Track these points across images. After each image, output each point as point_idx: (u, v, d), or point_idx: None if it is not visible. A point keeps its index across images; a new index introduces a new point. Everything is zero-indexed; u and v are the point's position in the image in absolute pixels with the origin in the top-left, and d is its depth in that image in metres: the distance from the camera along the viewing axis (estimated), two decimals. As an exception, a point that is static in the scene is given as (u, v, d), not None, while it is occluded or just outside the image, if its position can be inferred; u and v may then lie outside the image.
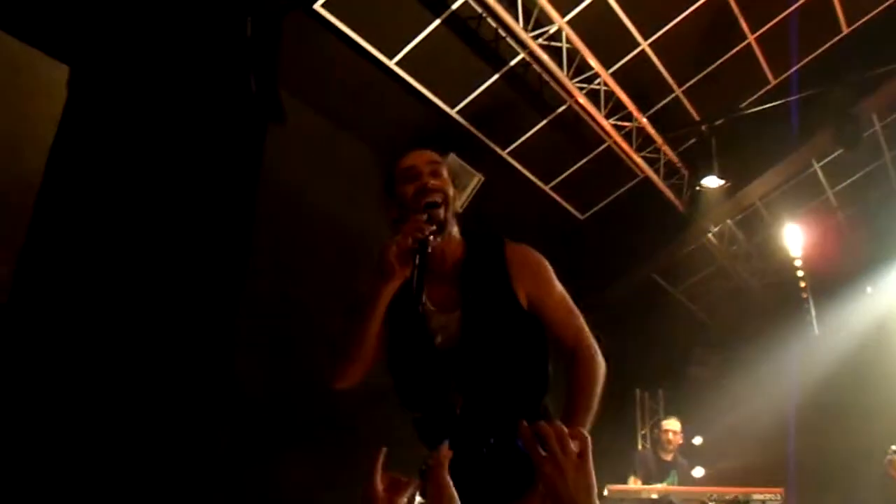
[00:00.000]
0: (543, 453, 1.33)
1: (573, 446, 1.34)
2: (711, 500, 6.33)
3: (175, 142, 3.77)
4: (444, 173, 2.34)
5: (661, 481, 6.68)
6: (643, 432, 9.42)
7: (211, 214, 3.82)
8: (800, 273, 8.57)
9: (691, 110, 6.88)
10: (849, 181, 8.46)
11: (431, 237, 2.13)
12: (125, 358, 3.27)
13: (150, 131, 3.74)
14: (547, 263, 2.36)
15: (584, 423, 2.11)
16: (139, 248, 3.56)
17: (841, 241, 8.91)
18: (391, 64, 5.19)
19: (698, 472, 8.01)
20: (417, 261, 2.09)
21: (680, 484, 6.75)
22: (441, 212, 2.24)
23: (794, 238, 8.31)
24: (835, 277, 9.02)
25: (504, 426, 2.11)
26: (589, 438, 1.36)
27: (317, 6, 4.72)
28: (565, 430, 1.35)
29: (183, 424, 3.38)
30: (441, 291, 2.27)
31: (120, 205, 3.61)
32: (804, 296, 8.87)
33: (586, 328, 2.31)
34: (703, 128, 6.92)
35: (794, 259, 8.41)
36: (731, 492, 6.50)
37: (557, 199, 7.09)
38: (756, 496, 6.42)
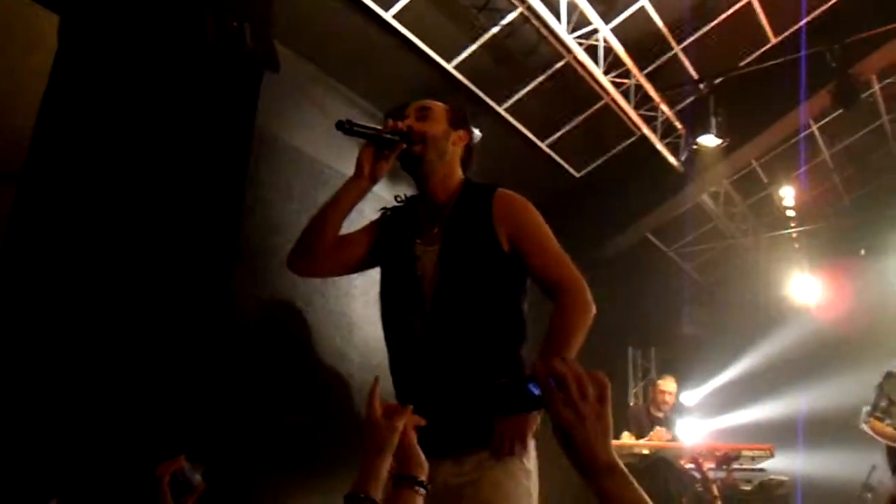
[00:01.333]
0: (560, 395, 1.19)
1: (591, 390, 1.20)
2: (702, 457, 6.43)
3: (168, 88, 3.72)
4: (434, 117, 2.47)
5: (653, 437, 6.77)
6: (635, 390, 9.52)
7: (205, 165, 3.79)
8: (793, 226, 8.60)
9: (690, 68, 6.82)
10: (846, 143, 8.44)
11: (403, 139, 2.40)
12: (115, 320, 3.26)
13: (142, 80, 3.69)
14: (533, 209, 2.43)
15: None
16: (133, 200, 3.54)
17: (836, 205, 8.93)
18: (387, 17, 5.12)
19: (690, 428, 8.13)
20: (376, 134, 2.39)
21: (672, 439, 6.84)
22: (417, 147, 2.42)
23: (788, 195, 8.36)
24: (829, 238, 9.06)
25: (465, 362, 2.18)
26: (608, 383, 1.22)
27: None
28: (583, 372, 1.21)
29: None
30: (430, 228, 2.44)
31: (113, 155, 3.58)
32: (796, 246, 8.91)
33: (575, 272, 2.34)
34: (702, 86, 6.88)
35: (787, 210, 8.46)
36: (722, 448, 6.60)
37: (554, 156, 7.05)
38: (745, 453, 6.53)
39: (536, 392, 1.23)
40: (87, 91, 3.55)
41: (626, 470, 1.18)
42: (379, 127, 2.46)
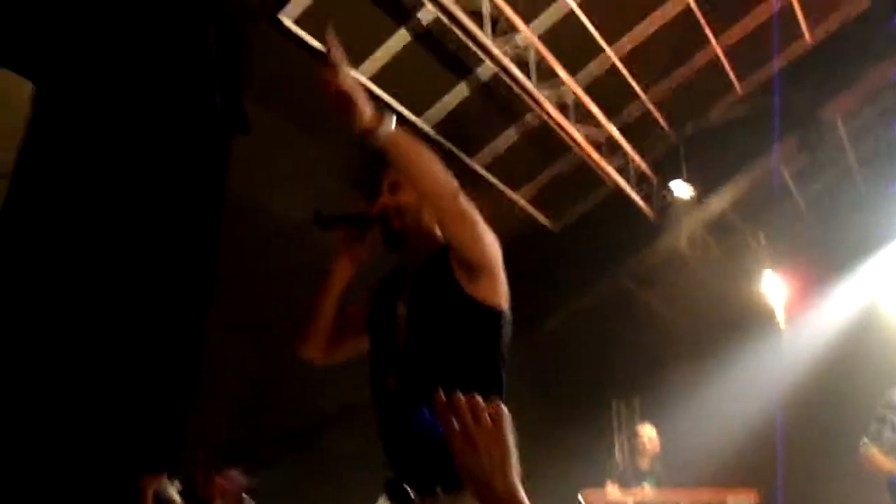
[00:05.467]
0: (455, 425, 1.21)
1: (487, 417, 1.21)
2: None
3: (140, 156, 3.74)
4: (406, 187, 2.43)
5: (637, 487, 6.69)
6: (620, 441, 9.42)
7: (176, 229, 3.79)
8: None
9: (660, 119, 6.93)
10: (816, 186, 8.58)
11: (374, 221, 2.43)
12: (91, 379, 3.22)
13: (115, 147, 3.72)
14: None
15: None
16: (106, 263, 3.52)
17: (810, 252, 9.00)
18: (357, 74, 5.17)
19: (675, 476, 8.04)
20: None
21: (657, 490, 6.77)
22: (396, 223, 2.41)
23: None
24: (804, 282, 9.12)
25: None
26: (504, 409, 1.23)
27: (280, 15, 4.71)
28: (480, 401, 1.22)
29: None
30: (409, 286, 2.42)
31: (85, 220, 3.57)
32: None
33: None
34: (672, 136, 6.99)
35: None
36: (705, 496, 6.54)
37: (528, 208, 7.10)
38: (730, 499, 6.46)
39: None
40: (60, 153, 3.56)
41: (526, 501, 1.16)
42: (353, 213, 2.50)
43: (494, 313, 2.30)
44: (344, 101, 2.08)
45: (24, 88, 3.59)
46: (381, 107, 2.05)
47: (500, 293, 2.31)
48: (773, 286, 8.74)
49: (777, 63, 6.65)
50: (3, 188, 3.43)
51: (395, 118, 2.08)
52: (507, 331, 2.34)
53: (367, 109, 2.09)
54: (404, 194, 2.43)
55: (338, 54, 2.05)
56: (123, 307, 3.40)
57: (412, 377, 2.27)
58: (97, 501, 2.69)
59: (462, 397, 1.23)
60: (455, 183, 2.25)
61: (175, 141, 3.89)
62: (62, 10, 3.78)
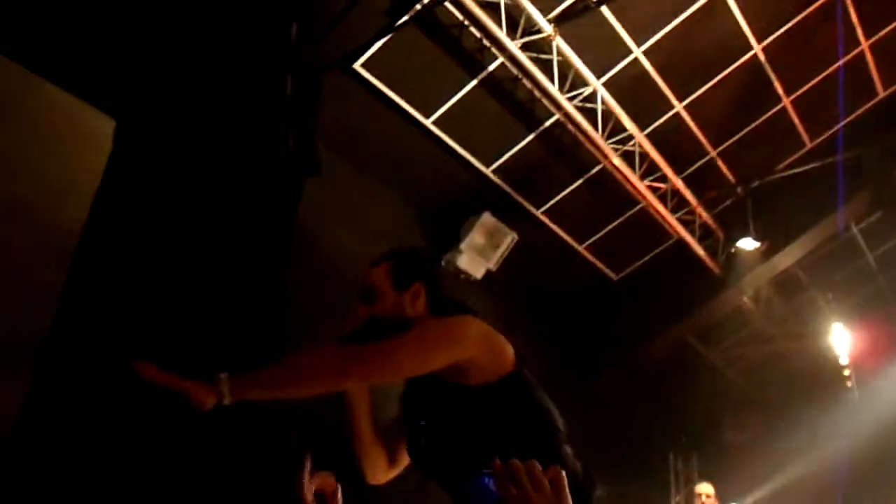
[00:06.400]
0: (514, 492, 1.23)
1: (546, 483, 1.23)
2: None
3: (213, 196, 3.83)
4: (378, 293, 2.33)
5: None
6: (677, 499, 9.20)
7: (247, 271, 3.86)
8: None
9: (727, 172, 6.87)
10: (889, 245, 8.34)
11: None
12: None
13: (190, 185, 3.81)
14: (446, 326, 2.25)
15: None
16: (178, 301, 3.59)
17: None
18: (428, 123, 5.27)
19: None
20: None
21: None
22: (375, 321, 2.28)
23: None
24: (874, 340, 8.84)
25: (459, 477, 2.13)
26: (563, 473, 1.25)
27: (356, 66, 4.83)
28: (538, 465, 1.24)
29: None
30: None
31: (163, 254, 3.66)
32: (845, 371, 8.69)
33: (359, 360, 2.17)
34: (739, 189, 6.90)
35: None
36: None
37: (591, 259, 7.07)
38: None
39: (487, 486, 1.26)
40: (137, 190, 3.67)
41: None
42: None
43: (502, 383, 2.20)
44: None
45: (106, 125, 3.72)
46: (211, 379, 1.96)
47: (498, 362, 2.20)
48: (841, 343, 8.49)
49: (845, 117, 6.57)
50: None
51: (224, 378, 1.97)
52: (527, 385, 2.25)
53: (199, 388, 1.98)
54: (380, 303, 2.32)
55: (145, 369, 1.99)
56: (198, 340, 3.47)
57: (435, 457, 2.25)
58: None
59: (519, 463, 1.25)
60: (327, 353, 2.18)
61: (249, 180, 3.99)
62: (145, 50, 3.94)
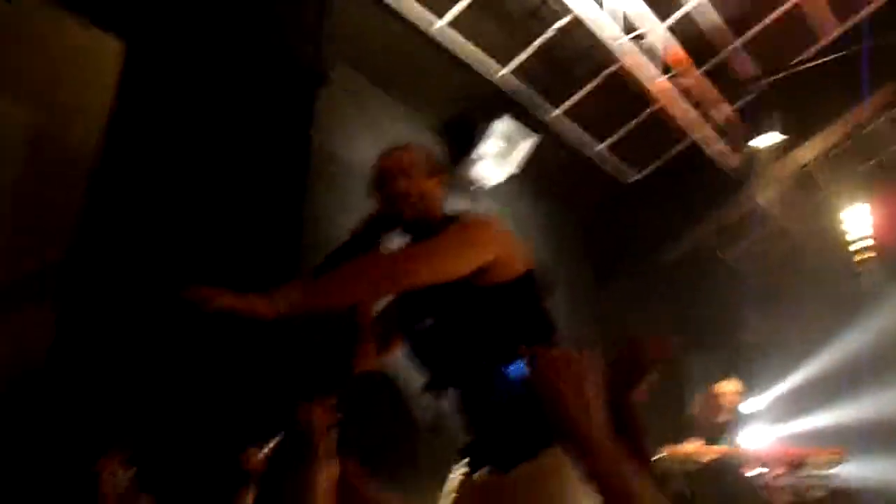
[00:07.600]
0: (555, 377, 1.28)
1: (570, 368, 1.29)
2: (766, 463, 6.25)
3: (227, 111, 3.83)
4: (411, 172, 2.36)
5: (716, 444, 6.60)
6: (696, 397, 9.30)
7: (264, 183, 3.85)
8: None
9: (748, 65, 6.66)
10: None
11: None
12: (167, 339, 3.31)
13: (202, 103, 3.82)
14: (465, 225, 2.26)
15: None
16: (194, 214, 3.61)
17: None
18: (441, 24, 5.12)
19: (754, 435, 7.91)
20: None
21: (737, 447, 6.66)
22: (408, 211, 2.33)
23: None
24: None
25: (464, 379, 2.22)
26: (580, 358, 1.31)
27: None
28: (561, 353, 1.31)
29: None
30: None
31: (174, 173, 3.66)
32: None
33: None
34: (762, 82, 6.70)
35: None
36: (789, 454, 6.41)
37: (611, 158, 6.95)
38: (813, 458, 6.32)
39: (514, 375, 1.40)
40: (151, 109, 3.67)
41: (613, 450, 1.22)
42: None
43: (516, 282, 2.22)
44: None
45: (114, 46, 3.67)
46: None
47: (514, 265, 2.22)
48: (861, 225, 8.33)
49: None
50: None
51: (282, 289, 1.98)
52: (535, 286, 2.28)
53: (257, 302, 1.95)
54: (410, 183, 2.34)
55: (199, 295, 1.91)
56: (216, 258, 3.48)
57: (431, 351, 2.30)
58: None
59: (547, 351, 1.32)
60: (382, 259, 2.23)
61: (262, 93, 3.96)
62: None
